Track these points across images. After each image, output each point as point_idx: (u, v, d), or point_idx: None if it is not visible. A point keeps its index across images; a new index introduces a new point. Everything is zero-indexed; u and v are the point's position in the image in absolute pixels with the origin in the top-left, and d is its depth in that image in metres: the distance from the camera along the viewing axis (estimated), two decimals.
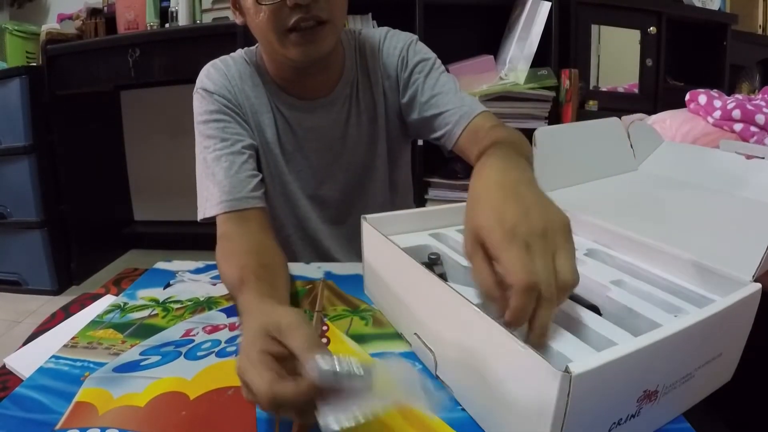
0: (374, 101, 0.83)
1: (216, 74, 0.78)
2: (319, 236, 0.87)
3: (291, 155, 0.83)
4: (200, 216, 0.72)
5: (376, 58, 0.83)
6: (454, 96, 0.78)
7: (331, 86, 0.81)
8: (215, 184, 0.71)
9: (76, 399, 0.46)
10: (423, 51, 0.83)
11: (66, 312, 0.70)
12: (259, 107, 0.80)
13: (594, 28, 1.87)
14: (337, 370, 0.34)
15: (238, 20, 0.75)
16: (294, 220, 0.86)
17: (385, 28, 0.85)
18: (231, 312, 0.62)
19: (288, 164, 0.83)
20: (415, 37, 0.84)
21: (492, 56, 1.80)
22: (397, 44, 0.82)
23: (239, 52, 0.83)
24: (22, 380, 0.50)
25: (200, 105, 0.77)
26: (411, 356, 0.52)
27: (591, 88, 1.89)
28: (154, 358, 0.52)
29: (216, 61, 0.81)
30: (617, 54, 1.99)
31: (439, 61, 0.83)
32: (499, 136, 0.67)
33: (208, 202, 0.71)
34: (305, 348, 0.36)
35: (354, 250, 0.84)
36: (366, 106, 0.83)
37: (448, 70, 0.84)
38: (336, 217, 0.88)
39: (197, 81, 0.79)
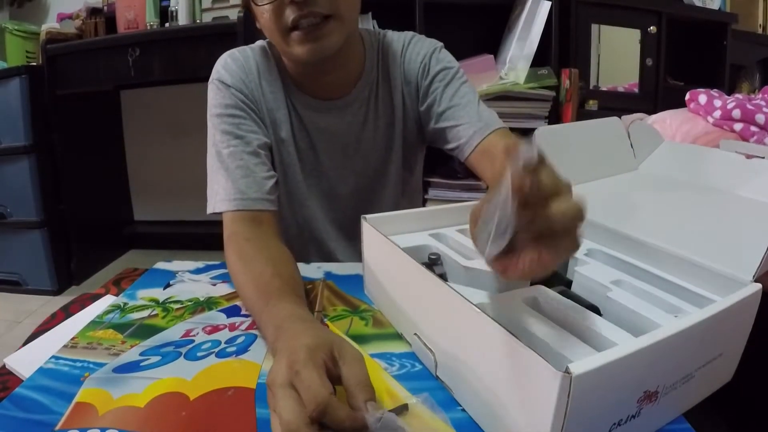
0: (393, 106, 0.82)
1: (234, 66, 0.76)
2: (324, 237, 0.87)
3: (304, 154, 0.82)
4: (209, 209, 0.71)
5: (398, 62, 0.81)
6: (472, 109, 0.77)
7: (349, 87, 0.79)
8: (228, 179, 0.70)
9: (76, 399, 0.46)
10: (446, 59, 0.81)
11: (66, 312, 0.70)
12: (275, 103, 0.78)
13: (594, 27, 1.87)
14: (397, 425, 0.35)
15: (257, 23, 0.73)
16: (300, 220, 0.86)
17: (410, 33, 0.83)
18: (231, 312, 0.62)
19: (300, 163, 0.82)
20: (440, 44, 0.82)
21: (492, 56, 1.80)
22: (420, 50, 0.80)
23: (260, 43, 0.80)
24: (22, 380, 0.50)
25: (215, 97, 0.75)
26: (411, 356, 0.52)
27: (591, 87, 1.89)
28: (154, 359, 0.52)
29: (234, 51, 0.79)
30: (617, 54, 1.99)
31: (461, 71, 0.81)
32: None
33: (218, 196, 0.70)
34: (360, 383, 0.37)
35: (359, 253, 0.83)
36: (384, 110, 0.82)
37: None
38: (345, 220, 0.87)
39: (213, 71, 0.77)
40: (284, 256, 0.64)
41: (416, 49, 0.81)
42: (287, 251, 0.66)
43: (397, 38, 0.83)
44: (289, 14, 0.65)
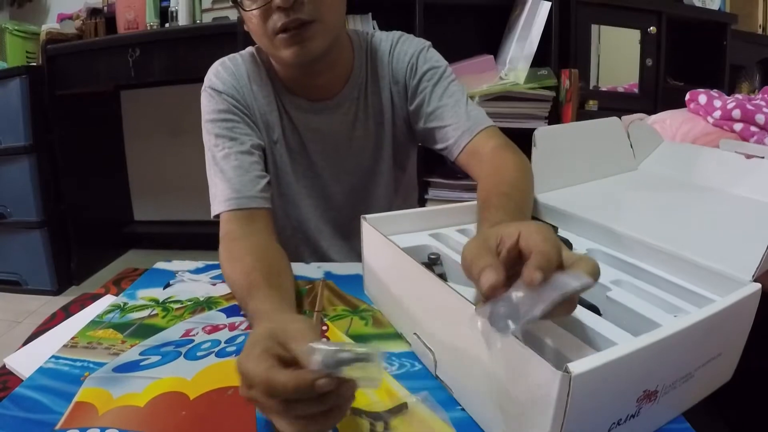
0: (381, 105, 0.82)
1: (225, 73, 0.78)
2: (318, 237, 0.87)
3: (296, 155, 0.82)
4: (212, 213, 0.72)
5: (386, 62, 0.81)
6: (460, 109, 0.77)
7: (339, 88, 0.80)
8: (224, 181, 0.71)
9: (75, 399, 0.46)
10: (433, 59, 0.81)
11: (66, 312, 0.70)
12: (266, 107, 0.79)
13: (594, 27, 1.87)
14: (342, 351, 0.34)
15: (246, 27, 0.74)
16: (295, 222, 0.86)
17: (398, 33, 0.84)
18: (231, 312, 0.62)
19: (292, 164, 0.82)
20: (428, 43, 0.83)
21: (492, 56, 1.80)
22: (407, 50, 0.81)
23: (249, 49, 0.81)
24: (22, 380, 0.50)
25: (209, 104, 0.77)
26: (411, 356, 0.52)
27: (591, 88, 1.89)
28: (154, 358, 0.52)
29: (225, 59, 0.80)
30: (617, 54, 1.99)
31: (449, 70, 0.81)
32: (496, 184, 0.63)
33: (216, 199, 0.71)
34: (301, 353, 0.36)
35: (354, 252, 0.83)
36: (374, 110, 0.82)
37: None
38: (339, 220, 0.87)
39: (206, 79, 0.78)
40: (268, 250, 0.64)
41: (404, 49, 0.81)
42: (274, 244, 0.67)
43: (384, 38, 0.83)
44: (276, 19, 0.66)
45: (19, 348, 0.61)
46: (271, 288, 0.54)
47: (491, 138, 0.74)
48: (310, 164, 0.83)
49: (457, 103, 0.77)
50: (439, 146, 0.79)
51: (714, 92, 1.21)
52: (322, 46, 0.70)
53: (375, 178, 0.87)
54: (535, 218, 0.66)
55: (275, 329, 0.39)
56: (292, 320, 0.41)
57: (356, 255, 0.65)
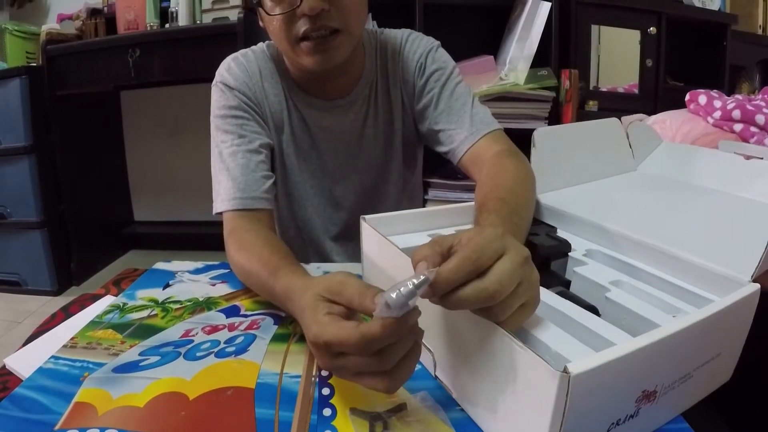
0: (391, 104, 0.83)
1: (237, 69, 0.77)
2: (324, 238, 0.87)
3: (306, 154, 0.82)
4: (214, 210, 0.73)
5: (396, 61, 0.81)
6: (465, 112, 0.77)
7: (351, 87, 0.80)
8: (229, 179, 0.71)
9: (75, 399, 0.46)
10: (442, 59, 0.81)
11: (66, 312, 0.70)
12: (277, 105, 0.79)
13: (594, 28, 1.87)
14: (403, 290, 0.35)
15: (261, 23, 0.74)
16: (300, 222, 0.86)
17: (407, 31, 0.83)
18: (230, 313, 0.62)
19: (302, 163, 0.82)
20: (437, 43, 0.83)
21: (492, 56, 1.80)
22: (417, 49, 0.81)
23: (260, 45, 0.81)
24: (22, 380, 0.50)
25: (219, 99, 0.76)
26: None
27: (591, 88, 1.89)
28: (154, 359, 0.52)
29: (237, 54, 0.80)
30: (617, 54, 1.99)
31: (457, 70, 0.81)
32: (493, 189, 0.62)
33: (220, 197, 0.71)
34: (359, 295, 0.39)
35: (359, 253, 0.83)
36: (384, 108, 0.82)
37: None
38: (346, 220, 0.87)
39: (217, 74, 0.78)
40: (280, 241, 0.65)
41: (413, 48, 0.81)
42: (279, 239, 0.68)
43: (393, 36, 0.83)
44: (301, 25, 0.66)
45: (19, 348, 0.61)
46: (294, 266, 0.56)
47: (494, 143, 0.74)
48: (320, 163, 0.83)
49: (463, 106, 0.77)
50: (442, 149, 0.79)
51: (714, 93, 1.21)
52: (344, 55, 0.70)
53: (385, 176, 0.86)
54: (535, 219, 0.66)
55: (319, 292, 0.43)
56: (328, 278, 0.44)
57: (360, 256, 0.65)
